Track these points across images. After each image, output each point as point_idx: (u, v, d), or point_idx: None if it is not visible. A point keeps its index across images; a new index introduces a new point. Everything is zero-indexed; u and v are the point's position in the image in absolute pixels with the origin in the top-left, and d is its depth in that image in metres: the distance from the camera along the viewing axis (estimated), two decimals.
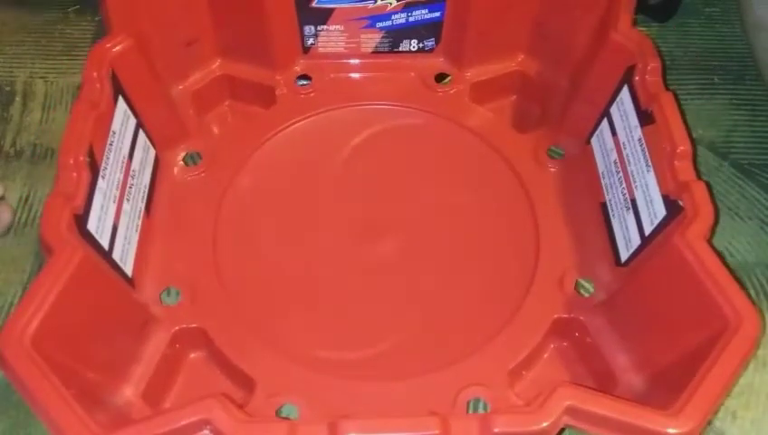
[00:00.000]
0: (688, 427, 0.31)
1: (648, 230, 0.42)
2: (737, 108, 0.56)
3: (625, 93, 0.46)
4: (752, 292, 0.46)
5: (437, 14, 0.53)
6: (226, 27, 0.52)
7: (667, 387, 0.36)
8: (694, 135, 0.48)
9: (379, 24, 0.53)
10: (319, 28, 0.53)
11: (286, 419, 0.39)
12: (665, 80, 0.44)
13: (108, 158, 0.43)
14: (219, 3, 0.51)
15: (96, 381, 0.37)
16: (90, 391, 0.36)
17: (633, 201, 0.44)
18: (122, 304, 0.41)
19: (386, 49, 0.55)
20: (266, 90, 0.53)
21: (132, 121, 0.46)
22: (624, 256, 0.44)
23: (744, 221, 0.50)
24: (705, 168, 0.52)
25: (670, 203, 0.41)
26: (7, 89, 0.56)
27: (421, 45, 0.55)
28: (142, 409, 0.39)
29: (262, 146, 0.51)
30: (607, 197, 0.47)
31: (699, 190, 0.39)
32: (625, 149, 0.45)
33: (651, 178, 0.42)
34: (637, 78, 0.44)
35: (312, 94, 0.54)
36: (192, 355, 0.43)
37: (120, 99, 0.45)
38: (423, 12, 0.53)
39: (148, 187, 0.47)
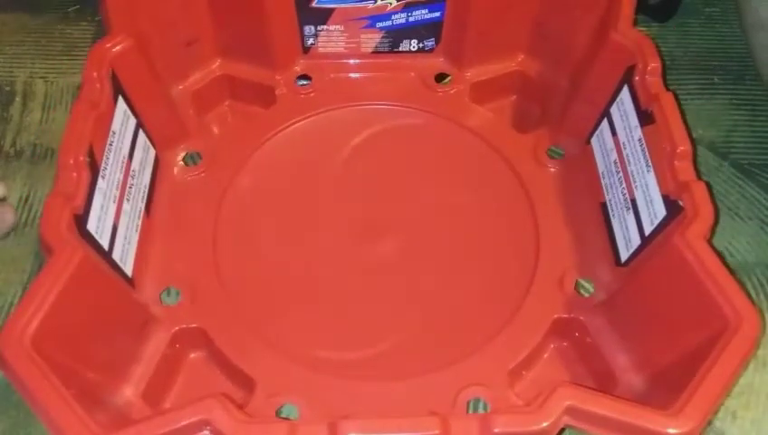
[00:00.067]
0: (688, 427, 0.31)
1: (648, 230, 0.42)
2: (737, 108, 0.56)
3: (625, 93, 0.46)
4: (752, 292, 0.46)
5: (437, 14, 0.53)
6: (226, 27, 0.52)
7: (667, 387, 0.36)
8: (694, 135, 0.48)
9: (379, 24, 0.53)
10: (319, 28, 0.53)
11: (286, 419, 0.39)
12: (665, 80, 0.44)
13: (108, 158, 0.43)
14: (219, 3, 0.51)
15: (96, 381, 0.37)
16: (90, 391, 0.36)
17: (633, 201, 0.44)
18: (122, 304, 0.41)
19: (386, 49, 0.55)
20: (266, 90, 0.53)
21: (132, 121, 0.46)
22: (624, 256, 0.44)
23: (743, 221, 0.50)
24: (705, 168, 0.52)
25: (670, 203, 0.41)
26: (7, 89, 0.56)
27: (421, 45, 0.55)
28: (142, 409, 0.39)
29: (262, 146, 0.51)
30: (607, 197, 0.47)
31: (699, 190, 0.39)
32: (625, 149, 0.45)
33: (651, 179, 0.42)
34: (637, 78, 0.44)
35: (311, 94, 0.54)
36: (192, 355, 0.43)
37: (120, 99, 0.45)
38: (423, 12, 0.53)
39: (148, 187, 0.47)
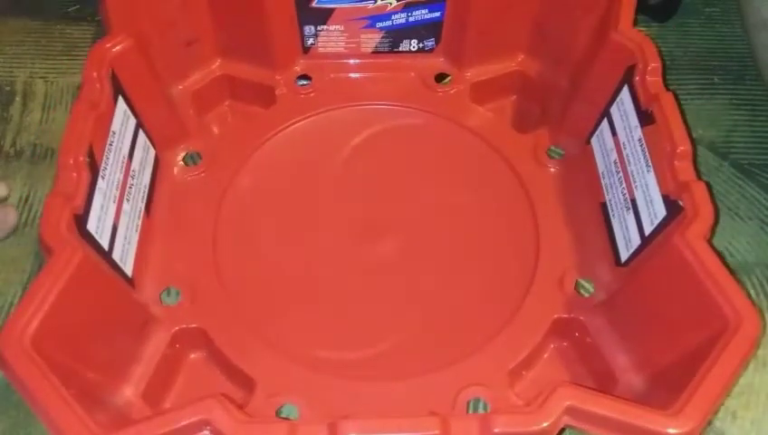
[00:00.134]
0: (688, 427, 0.31)
1: (648, 230, 0.42)
2: (737, 108, 0.56)
3: (625, 93, 0.46)
4: (752, 292, 0.46)
5: (437, 14, 0.53)
6: (226, 27, 0.52)
7: (667, 387, 0.36)
8: (694, 135, 0.48)
9: (379, 24, 0.53)
10: (319, 28, 0.53)
11: (286, 419, 0.39)
12: (665, 80, 0.44)
13: (108, 158, 0.43)
14: (219, 3, 0.51)
15: (96, 381, 0.37)
16: (90, 391, 0.36)
17: (633, 201, 0.44)
18: (122, 304, 0.41)
19: (386, 49, 0.55)
20: (266, 90, 0.53)
21: (132, 121, 0.46)
22: (624, 256, 0.44)
23: (744, 221, 0.50)
24: (705, 168, 0.52)
25: (670, 203, 0.41)
26: (7, 89, 0.56)
27: (421, 45, 0.55)
28: (142, 409, 0.39)
29: (262, 146, 0.51)
30: (607, 197, 0.47)
31: (699, 190, 0.39)
32: (625, 149, 0.45)
33: (651, 179, 0.42)
34: (637, 78, 0.44)
35: (311, 94, 0.54)
36: (192, 355, 0.43)
37: (120, 99, 0.45)
38: (423, 12, 0.53)
39: (148, 187, 0.47)
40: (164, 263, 0.45)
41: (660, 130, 0.42)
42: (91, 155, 0.40)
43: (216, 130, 0.54)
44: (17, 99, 0.55)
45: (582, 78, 0.49)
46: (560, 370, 0.43)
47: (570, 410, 0.32)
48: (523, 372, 0.42)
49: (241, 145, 0.51)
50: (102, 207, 0.41)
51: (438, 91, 0.54)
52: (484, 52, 0.54)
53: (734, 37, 0.60)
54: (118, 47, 0.44)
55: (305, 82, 0.54)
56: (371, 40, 0.54)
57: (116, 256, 0.42)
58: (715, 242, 0.39)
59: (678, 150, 0.41)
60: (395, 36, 0.54)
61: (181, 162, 0.50)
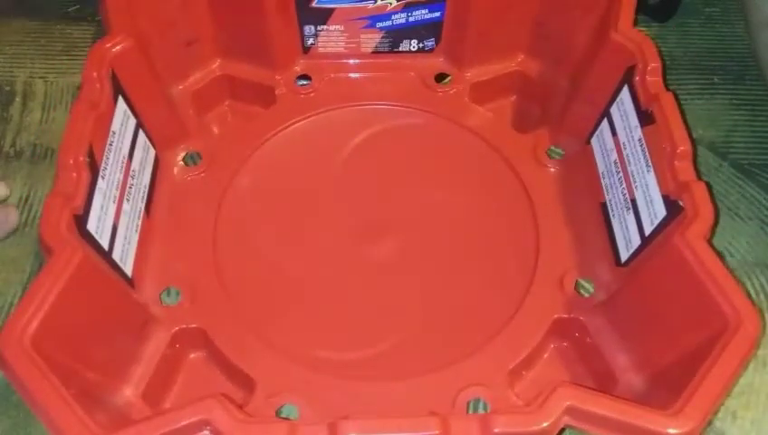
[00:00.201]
0: (688, 427, 0.31)
1: (648, 230, 0.42)
2: (737, 108, 0.56)
3: (625, 93, 0.46)
4: (752, 292, 0.46)
5: (437, 14, 0.53)
6: (226, 27, 0.52)
7: (667, 387, 0.36)
8: (694, 135, 0.48)
9: (379, 24, 0.53)
10: (319, 28, 0.53)
11: (286, 419, 0.39)
12: (665, 80, 0.44)
13: (108, 158, 0.43)
14: (219, 3, 0.50)
15: (96, 381, 0.37)
16: (90, 391, 0.36)
17: (633, 201, 0.44)
18: (122, 305, 0.41)
19: (386, 49, 0.55)
20: (266, 90, 0.53)
21: (132, 121, 0.46)
22: (624, 256, 0.44)
23: (744, 221, 0.50)
24: (705, 168, 0.52)
25: (670, 203, 0.41)
26: (7, 89, 0.56)
27: (421, 45, 0.55)
28: (142, 409, 0.39)
29: (262, 146, 0.51)
30: (607, 197, 0.47)
31: (699, 190, 0.39)
32: (625, 149, 0.45)
33: (651, 179, 0.42)
34: (637, 78, 0.44)
35: (311, 94, 0.54)
36: (192, 355, 0.43)
37: (120, 99, 0.45)
38: (423, 12, 0.53)
39: (147, 187, 0.47)
40: (164, 263, 0.45)
41: (660, 130, 0.42)
42: (90, 155, 0.40)
43: (215, 130, 0.54)
44: (17, 99, 0.55)
45: (582, 78, 0.49)
46: (560, 370, 0.43)
47: (570, 410, 0.32)
48: (523, 372, 0.42)
49: (241, 145, 0.51)
50: (102, 207, 0.41)
51: (438, 91, 0.54)
52: (484, 52, 0.54)
53: (734, 37, 0.60)
54: (118, 47, 0.44)
55: (305, 82, 0.54)
56: (371, 40, 0.54)
57: (116, 256, 0.42)
58: (715, 242, 0.39)
59: (678, 150, 0.41)
60: (395, 36, 0.54)
61: (181, 162, 0.50)
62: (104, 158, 0.42)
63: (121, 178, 0.44)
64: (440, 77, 0.55)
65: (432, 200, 0.49)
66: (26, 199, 0.50)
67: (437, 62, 0.55)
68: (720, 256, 0.37)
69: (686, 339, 0.37)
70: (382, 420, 0.32)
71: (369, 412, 0.39)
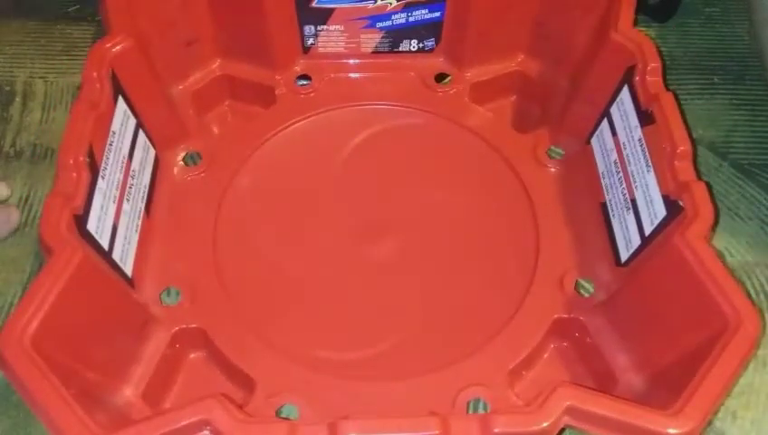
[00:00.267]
0: (688, 427, 0.31)
1: (648, 230, 0.42)
2: (737, 108, 0.56)
3: (625, 93, 0.46)
4: (752, 292, 0.46)
5: (437, 14, 0.53)
6: (226, 27, 0.52)
7: (667, 387, 0.36)
8: (694, 135, 0.48)
9: (379, 24, 0.53)
10: (319, 28, 0.53)
11: (286, 419, 0.39)
12: (665, 80, 0.44)
13: (108, 158, 0.43)
14: (219, 3, 0.51)
15: (96, 381, 0.37)
16: (90, 391, 0.36)
17: (633, 201, 0.44)
18: (122, 305, 0.41)
19: (386, 49, 0.55)
20: (266, 90, 0.53)
21: (132, 121, 0.46)
22: (624, 256, 0.44)
23: (744, 221, 0.50)
24: (705, 168, 0.52)
25: (670, 203, 0.41)
26: (7, 89, 0.56)
27: (421, 45, 0.55)
28: (142, 409, 0.39)
29: (262, 146, 0.51)
30: (607, 197, 0.47)
31: (699, 190, 0.39)
32: (625, 149, 0.45)
33: (651, 179, 0.42)
34: (637, 78, 0.44)
35: (311, 94, 0.54)
36: (192, 355, 0.43)
37: (120, 99, 0.45)
38: (423, 12, 0.53)
39: (148, 187, 0.47)
40: (164, 263, 0.45)
41: (660, 130, 0.42)
42: (90, 155, 0.40)
43: (215, 130, 0.54)
44: (17, 99, 0.55)
45: (582, 78, 0.49)
46: (560, 370, 0.43)
47: (570, 410, 0.32)
48: (523, 372, 0.42)
49: (241, 145, 0.51)
50: (102, 207, 0.41)
51: (438, 91, 0.54)
52: (484, 52, 0.54)
53: (734, 37, 0.60)
54: (118, 47, 0.44)
55: (305, 82, 0.54)
56: (371, 40, 0.54)
57: (116, 256, 0.42)
58: (715, 242, 0.39)
59: (678, 150, 0.41)
60: (395, 36, 0.54)
61: (181, 162, 0.50)
62: (104, 158, 0.42)
63: (121, 178, 0.44)
64: (440, 77, 0.55)
65: (432, 200, 0.49)
66: (26, 199, 0.50)
67: (437, 62, 0.55)
68: (720, 256, 0.37)
69: (686, 339, 0.37)
70: (382, 420, 0.32)
71: (369, 412, 0.39)
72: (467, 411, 0.40)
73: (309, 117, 0.53)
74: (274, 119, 0.52)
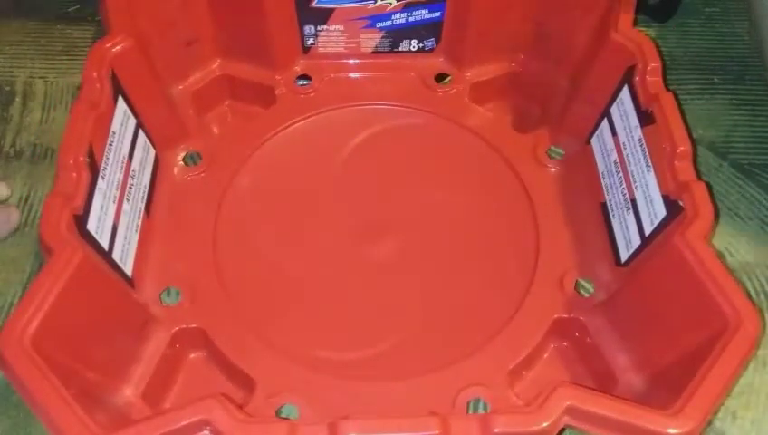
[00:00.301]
0: (688, 427, 0.31)
1: (648, 230, 0.42)
2: (737, 108, 0.56)
3: (625, 93, 0.46)
4: (752, 292, 0.46)
5: (437, 14, 0.53)
6: (226, 27, 0.52)
7: (667, 387, 0.36)
8: (694, 135, 0.48)
9: (379, 24, 0.53)
10: (319, 28, 0.53)
11: (286, 419, 0.39)
12: (665, 80, 0.44)
13: (108, 158, 0.43)
14: (219, 3, 0.51)
15: (96, 381, 0.37)
16: (90, 391, 0.36)
17: (633, 201, 0.44)
18: (122, 305, 0.41)
19: (386, 49, 0.55)
20: (266, 90, 0.53)
21: (132, 121, 0.46)
22: (624, 256, 0.44)
23: (744, 221, 0.50)
24: (705, 168, 0.52)
25: (670, 203, 0.41)
26: (7, 89, 0.56)
27: (421, 45, 0.55)
28: (142, 409, 0.39)
29: (262, 146, 0.51)
30: (607, 197, 0.47)
31: (699, 190, 0.39)
32: (625, 149, 0.45)
33: (651, 179, 0.42)
34: (637, 78, 0.44)
35: (311, 94, 0.54)
36: (192, 355, 0.43)
37: (120, 99, 0.45)
38: (423, 12, 0.53)
39: (147, 187, 0.47)
40: (164, 263, 0.45)
41: (660, 130, 0.42)
42: (90, 155, 0.40)
43: (215, 130, 0.54)
44: (17, 99, 0.55)
45: (582, 78, 0.49)
46: (560, 370, 0.43)
47: (570, 410, 0.32)
48: (523, 372, 0.42)
49: (241, 145, 0.51)
50: (102, 207, 0.41)
51: (438, 91, 0.54)
52: (484, 52, 0.54)
53: (734, 37, 0.60)
54: (118, 47, 0.44)
55: (305, 82, 0.54)
56: (371, 40, 0.54)
57: (116, 256, 0.42)
58: (715, 242, 0.39)
59: (678, 150, 0.41)
60: (395, 36, 0.54)
61: (181, 162, 0.50)
62: (104, 158, 0.42)
63: (121, 178, 0.44)
64: (440, 77, 0.55)
65: (432, 200, 0.49)
66: (26, 199, 0.50)
67: (437, 62, 0.55)
68: (720, 256, 0.37)
69: (686, 339, 0.37)
70: (382, 420, 0.32)
71: (369, 412, 0.39)
72: (467, 411, 0.40)
73: (309, 117, 0.53)
74: (274, 119, 0.52)
